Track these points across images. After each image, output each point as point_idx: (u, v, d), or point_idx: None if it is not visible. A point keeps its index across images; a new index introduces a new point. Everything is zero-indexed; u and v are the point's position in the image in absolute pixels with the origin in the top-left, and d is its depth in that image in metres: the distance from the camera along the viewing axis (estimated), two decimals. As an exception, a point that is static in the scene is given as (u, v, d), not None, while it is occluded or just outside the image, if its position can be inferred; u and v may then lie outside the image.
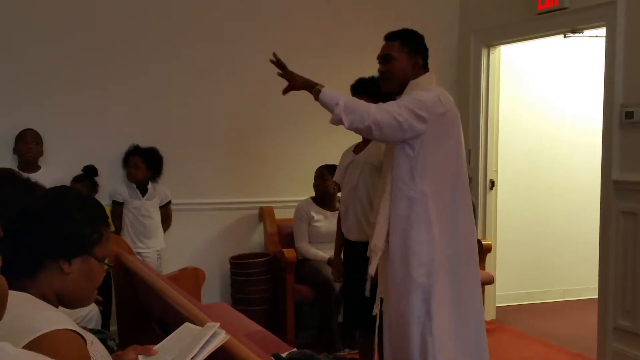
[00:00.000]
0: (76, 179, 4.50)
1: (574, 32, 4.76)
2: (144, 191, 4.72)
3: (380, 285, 3.24)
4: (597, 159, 4.52)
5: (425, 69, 3.17)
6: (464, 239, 3.12)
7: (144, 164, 4.69)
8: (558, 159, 6.08)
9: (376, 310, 3.26)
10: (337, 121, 2.95)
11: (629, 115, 4.20)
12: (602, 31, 4.47)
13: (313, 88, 2.99)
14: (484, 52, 5.48)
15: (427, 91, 3.03)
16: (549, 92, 6.06)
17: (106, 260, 1.76)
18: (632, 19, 4.19)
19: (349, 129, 2.97)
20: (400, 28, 3.21)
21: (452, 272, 3.05)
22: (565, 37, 4.89)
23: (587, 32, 4.80)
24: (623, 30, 4.24)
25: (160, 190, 4.79)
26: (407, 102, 2.96)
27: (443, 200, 3.04)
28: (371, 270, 3.12)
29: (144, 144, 4.76)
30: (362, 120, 2.89)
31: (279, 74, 3.13)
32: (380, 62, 3.19)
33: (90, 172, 4.58)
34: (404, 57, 3.11)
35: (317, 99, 2.96)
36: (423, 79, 3.12)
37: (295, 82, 3.09)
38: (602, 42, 4.47)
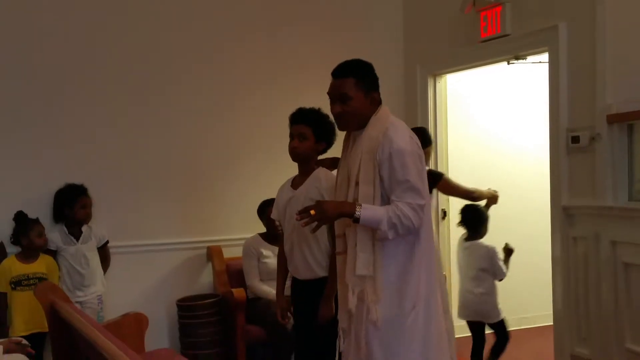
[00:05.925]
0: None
1: (517, 58, 4.76)
2: (77, 235, 4.48)
3: (342, 319, 3.02)
4: (546, 184, 4.51)
5: (380, 101, 2.98)
6: (438, 272, 3.05)
7: (90, 198, 4.50)
8: (508, 186, 6.03)
9: (341, 346, 3.06)
10: (384, 238, 2.80)
11: (575, 139, 4.19)
12: (545, 57, 4.48)
13: (352, 216, 2.79)
14: (430, 82, 5.47)
15: (399, 135, 2.85)
16: (496, 119, 6.06)
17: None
18: (573, 43, 4.21)
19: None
20: (350, 59, 2.97)
21: (428, 306, 2.91)
22: (509, 63, 4.89)
23: (530, 58, 4.79)
24: (565, 54, 4.25)
25: (97, 230, 4.57)
26: (413, 181, 2.80)
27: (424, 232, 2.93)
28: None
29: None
30: (409, 230, 2.79)
31: (311, 221, 2.84)
32: (333, 102, 2.96)
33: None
34: (360, 95, 2.90)
35: (357, 222, 2.79)
36: (382, 113, 2.94)
37: (328, 216, 2.83)
38: (545, 68, 4.48)
